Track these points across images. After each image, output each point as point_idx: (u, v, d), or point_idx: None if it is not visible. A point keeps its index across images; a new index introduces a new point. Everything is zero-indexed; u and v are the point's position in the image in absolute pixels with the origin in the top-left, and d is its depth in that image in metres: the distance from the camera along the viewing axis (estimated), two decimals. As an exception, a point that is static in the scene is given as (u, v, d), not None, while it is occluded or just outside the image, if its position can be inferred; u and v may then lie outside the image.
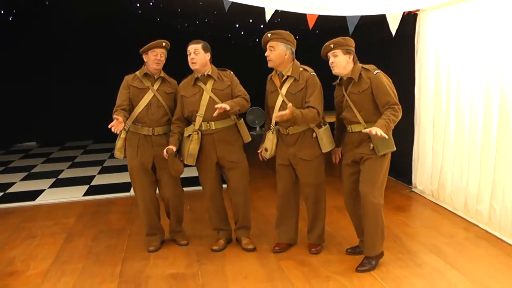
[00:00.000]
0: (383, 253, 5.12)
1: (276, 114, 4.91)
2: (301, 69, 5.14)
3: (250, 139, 5.45)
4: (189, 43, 5.26)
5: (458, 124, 6.37)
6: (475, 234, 5.80)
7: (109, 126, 4.91)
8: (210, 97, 5.22)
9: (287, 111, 4.78)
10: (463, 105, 6.23)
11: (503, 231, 5.61)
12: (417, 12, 7.00)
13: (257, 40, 10.96)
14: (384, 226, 5.01)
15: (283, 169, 5.34)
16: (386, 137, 4.47)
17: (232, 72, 5.43)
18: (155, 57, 5.32)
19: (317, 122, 5.11)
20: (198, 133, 5.27)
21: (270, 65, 5.14)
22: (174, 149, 5.21)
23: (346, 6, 5.70)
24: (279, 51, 5.04)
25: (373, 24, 6.43)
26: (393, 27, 6.31)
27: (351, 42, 4.88)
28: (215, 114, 4.99)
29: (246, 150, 5.51)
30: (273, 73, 5.26)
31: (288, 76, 5.10)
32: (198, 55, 5.19)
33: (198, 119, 5.25)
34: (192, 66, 5.23)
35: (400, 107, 4.72)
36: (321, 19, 6.02)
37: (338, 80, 5.05)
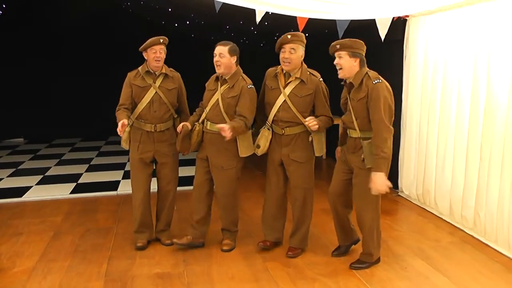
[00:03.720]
0: (380, 259, 5.19)
1: (309, 121, 4.92)
2: (308, 72, 5.16)
3: (248, 154, 5.36)
4: (216, 44, 5.26)
5: (443, 130, 6.42)
6: (460, 239, 5.85)
7: (119, 132, 5.06)
8: (218, 99, 5.24)
9: (315, 124, 4.90)
10: (449, 111, 6.27)
11: (488, 236, 5.67)
12: (407, 18, 7.05)
13: (247, 41, 11.00)
14: (380, 236, 5.10)
15: (275, 169, 5.37)
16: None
17: (250, 86, 5.28)
18: (154, 54, 5.34)
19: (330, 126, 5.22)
20: (200, 125, 5.35)
21: (288, 67, 5.10)
22: (190, 127, 5.31)
23: (336, 10, 5.72)
24: (299, 53, 5.08)
25: (363, 29, 6.45)
26: (383, 32, 6.35)
27: (359, 45, 4.78)
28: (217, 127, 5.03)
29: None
30: (279, 69, 5.23)
31: (295, 78, 5.11)
32: (223, 58, 5.18)
33: (203, 114, 5.35)
34: (216, 69, 5.24)
35: (388, 129, 4.68)
36: (311, 22, 6.04)
37: (344, 82, 4.98)
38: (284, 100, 5.10)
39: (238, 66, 5.34)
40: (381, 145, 4.60)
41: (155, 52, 5.33)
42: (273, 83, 5.25)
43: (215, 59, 5.20)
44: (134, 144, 5.54)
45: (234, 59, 5.25)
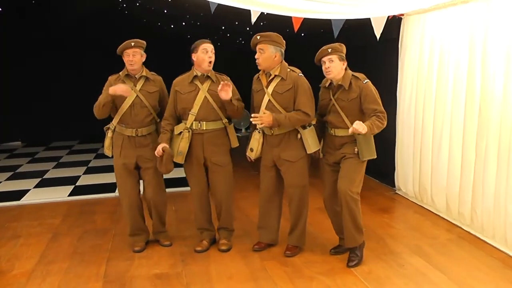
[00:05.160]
0: (365, 243, 5.22)
1: (254, 117, 4.98)
2: (288, 69, 5.17)
3: (238, 144, 5.46)
4: (202, 41, 5.26)
5: (438, 127, 6.44)
6: (457, 236, 5.87)
7: (122, 91, 5.09)
8: (205, 97, 5.24)
9: (263, 117, 4.89)
10: (444, 108, 6.29)
11: (485, 233, 5.69)
12: (402, 16, 7.06)
13: (243, 42, 11.02)
14: (361, 218, 5.09)
15: (267, 171, 5.38)
16: (363, 132, 4.54)
17: (228, 77, 5.43)
18: (127, 58, 5.32)
19: (306, 123, 5.14)
20: (189, 131, 5.28)
21: (260, 67, 5.17)
22: (168, 147, 5.22)
23: (331, 10, 5.73)
24: (268, 53, 5.08)
25: (358, 28, 6.48)
26: (378, 30, 6.37)
27: (345, 49, 4.95)
28: (219, 88, 5.06)
29: (231, 151, 5.54)
30: (261, 72, 5.27)
31: (275, 76, 5.13)
32: (213, 54, 5.24)
33: (190, 118, 5.27)
34: (208, 66, 5.23)
35: (385, 116, 4.81)
36: (307, 22, 6.06)
37: (327, 84, 5.10)
38: (269, 100, 5.12)
39: None
40: (378, 125, 4.72)
41: (128, 56, 5.31)
42: (258, 85, 5.30)
43: (207, 55, 5.21)
44: (116, 150, 5.48)
45: None
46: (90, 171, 9.86)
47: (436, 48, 6.39)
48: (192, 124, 5.28)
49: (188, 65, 5.39)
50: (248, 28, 8.83)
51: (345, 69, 4.97)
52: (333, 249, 5.44)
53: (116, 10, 11.12)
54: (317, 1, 5.60)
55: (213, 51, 5.24)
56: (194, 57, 5.26)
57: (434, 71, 6.45)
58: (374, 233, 5.86)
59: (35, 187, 8.62)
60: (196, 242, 5.67)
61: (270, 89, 5.13)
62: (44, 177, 9.40)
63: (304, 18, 6.00)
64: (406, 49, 7.08)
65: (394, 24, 7.08)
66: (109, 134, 5.49)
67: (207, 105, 5.22)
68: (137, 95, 5.38)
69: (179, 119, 5.43)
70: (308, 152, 5.21)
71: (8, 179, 9.30)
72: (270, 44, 5.08)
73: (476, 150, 5.69)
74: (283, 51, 5.16)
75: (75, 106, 12.93)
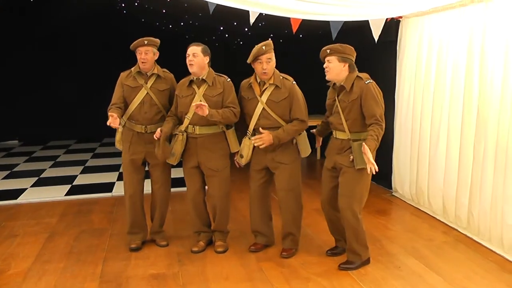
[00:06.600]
0: (370, 260, 5.19)
1: (255, 141, 4.98)
2: (281, 77, 5.17)
3: (238, 149, 5.40)
4: (189, 45, 5.25)
5: (435, 129, 6.45)
6: (454, 238, 5.88)
7: (108, 123, 5.02)
8: (200, 101, 5.17)
9: (263, 137, 4.88)
10: (442, 111, 6.30)
11: (481, 235, 5.69)
12: (400, 19, 7.07)
13: (241, 43, 11.01)
14: (365, 236, 5.09)
15: (257, 174, 5.39)
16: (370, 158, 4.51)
17: (229, 80, 5.36)
18: (139, 56, 5.34)
19: (303, 131, 5.18)
20: (183, 134, 5.28)
21: (267, 77, 5.10)
22: (168, 132, 5.23)
23: (330, 11, 5.73)
24: (273, 62, 5.09)
25: (356, 30, 6.47)
26: (376, 33, 6.37)
27: (350, 51, 4.86)
28: (196, 110, 4.99)
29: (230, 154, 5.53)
30: (252, 79, 5.25)
31: (269, 84, 5.12)
32: (196, 57, 5.17)
33: (186, 121, 5.26)
34: (189, 69, 5.21)
35: (384, 123, 4.77)
36: (305, 23, 6.06)
37: (332, 83, 5.06)
38: (263, 108, 5.11)
39: (210, 67, 5.35)
40: (376, 132, 4.66)
41: (140, 54, 5.33)
42: (249, 93, 5.26)
43: (188, 58, 5.18)
44: (125, 144, 5.53)
45: (207, 59, 5.26)
46: (87, 170, 9.84)
47: (434, 50, 6.40)
48: (187, 127, 5.28)
49: (186, 66, 5.39)
50: (246, 29, 8.83)
51: (350, 70, 4.87)
52: (329, 250, 5.44)
53: (114, 10, 11.11)
54: (315, 2, 5.59)
55: (196, 54, 5.17)
56: None
57: (432, 74, 6.46)
58: (370, 235, 5.85)
59: (32, 186, 8.60)
60: (192, 242, 5.67)
61: (264, 97, 5.12)
62: (41, 176, 9.38)
63: (303, 20, 6.00)
64: (405, 52, 7.09)
65: (392, 26, 7.10)
66: (119, 128, 5.51)
67: None
68: (147, 93, 5.40)
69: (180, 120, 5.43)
70: (302, 156, 5.27)
71: (5, 178, 9.29)
72: (273, 52, 5.08)
73: (473, 152, 5.70)
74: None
75: (73, 106, 12.98)
